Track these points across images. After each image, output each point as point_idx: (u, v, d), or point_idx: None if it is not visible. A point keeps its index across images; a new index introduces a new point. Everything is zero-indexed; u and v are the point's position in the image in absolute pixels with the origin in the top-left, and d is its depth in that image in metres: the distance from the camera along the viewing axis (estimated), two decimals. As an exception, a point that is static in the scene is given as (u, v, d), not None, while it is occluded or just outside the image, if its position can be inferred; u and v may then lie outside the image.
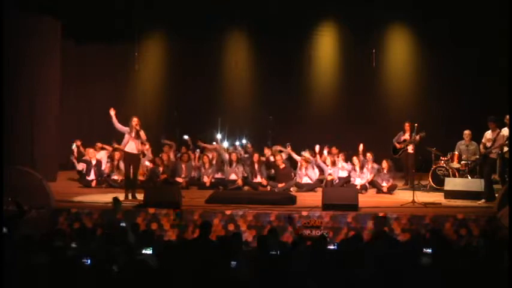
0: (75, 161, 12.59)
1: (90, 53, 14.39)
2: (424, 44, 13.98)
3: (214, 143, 12.64)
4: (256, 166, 11.57)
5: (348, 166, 11.55)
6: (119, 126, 9.91)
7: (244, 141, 12.93)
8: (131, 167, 10.04)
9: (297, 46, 14.43)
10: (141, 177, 11.11)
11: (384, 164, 11.18)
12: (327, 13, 14.35)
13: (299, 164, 11.41)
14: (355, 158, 11.41)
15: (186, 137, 12.76)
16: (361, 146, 11.52)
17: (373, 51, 14.06)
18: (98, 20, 13.39)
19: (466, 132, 11.13)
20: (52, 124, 12.44)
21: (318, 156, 11.64)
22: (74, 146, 12.59)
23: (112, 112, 9.85)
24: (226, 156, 11.73)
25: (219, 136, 12.81)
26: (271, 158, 11.91)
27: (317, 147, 11.69)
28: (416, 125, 10.41)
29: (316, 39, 14.63)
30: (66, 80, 13.16)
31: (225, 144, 12.72)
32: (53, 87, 12.55)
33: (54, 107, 12.58)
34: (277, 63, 14.25)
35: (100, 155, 12.14)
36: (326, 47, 14.67)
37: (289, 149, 11.57)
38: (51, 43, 12.43)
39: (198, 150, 12.43)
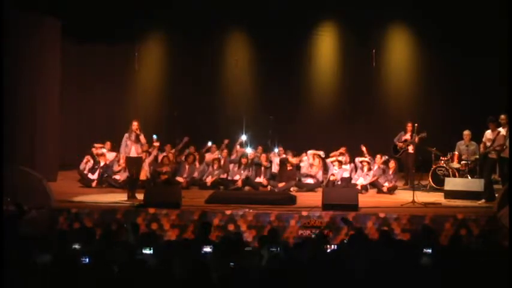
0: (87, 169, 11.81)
1: (90, 53, 14.35)
2: (424, 44, 13.98)
3: (238, 146, 12.50)
4: (263, 167, 11.55)
5: (347, 166, 11.56)
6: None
7: (276, 149, 12.46)
8: (133, 169, 10.03)
9: (297, 46, 14.42)
10: (142, 178, 11.07)
11: (392, 164, 11.18)
12: (327, 13, 14.34)
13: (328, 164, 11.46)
14: (363, 160, 11.37)
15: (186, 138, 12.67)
16: (363, 148, 11.53)
17: (373, 51, 14.06)
18: (98, 20, 13.37)
19: (466, 132, 11.13)
20: (52, 124, 12.43)
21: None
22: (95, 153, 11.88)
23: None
24: (236, 158, 11.82)
25: (244, 138, 12.74)
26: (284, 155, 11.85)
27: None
28: (416, 125, 10.41)
29: (316, 39, 14.62)
30: (66, 80, 13.14)
31: (249, 149, 12.50)
32: (53, 87, 12.54)
33: (54, 107, 12.57)
34: (277, 63, 14.24)
35: (110, 156, 12.08)
36: (326, 47, 14.66)
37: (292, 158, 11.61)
38: (51, 43, 12.40)
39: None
